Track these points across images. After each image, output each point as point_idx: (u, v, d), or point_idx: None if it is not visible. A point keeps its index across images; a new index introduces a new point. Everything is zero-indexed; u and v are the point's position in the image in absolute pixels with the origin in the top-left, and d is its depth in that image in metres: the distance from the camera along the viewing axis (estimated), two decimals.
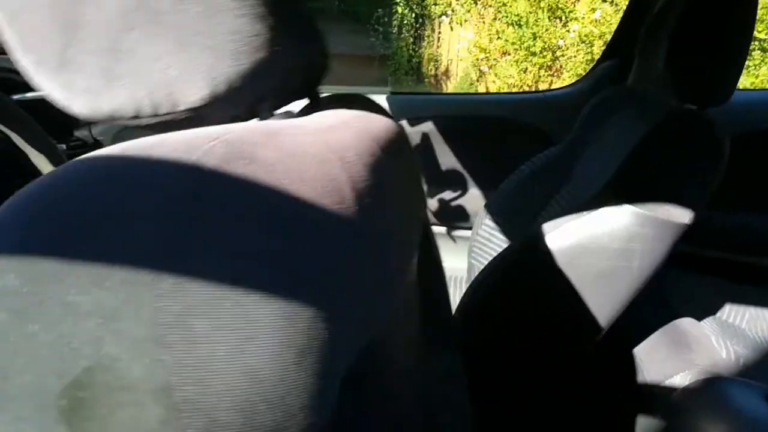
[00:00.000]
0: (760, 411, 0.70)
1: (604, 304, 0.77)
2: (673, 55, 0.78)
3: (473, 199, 1.40)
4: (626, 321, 0.84)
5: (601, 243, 0.73)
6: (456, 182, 1.40)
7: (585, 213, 0.74)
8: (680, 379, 0.82)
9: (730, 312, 1.16)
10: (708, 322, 1.10)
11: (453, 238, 1.45)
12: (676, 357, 0.89)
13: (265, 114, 0.36)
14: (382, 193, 0.33)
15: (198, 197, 0.23)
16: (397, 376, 0.41)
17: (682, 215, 0.72)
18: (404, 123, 1.37)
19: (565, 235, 0.75)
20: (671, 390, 0.80)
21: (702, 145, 0.73)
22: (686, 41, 0.76)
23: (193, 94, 0.30)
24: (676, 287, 1.13)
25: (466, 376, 0.62)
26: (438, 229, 1.44)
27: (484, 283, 0.84)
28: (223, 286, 0.21)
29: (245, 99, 0.33)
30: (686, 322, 1.02)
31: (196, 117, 0.31)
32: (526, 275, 0.79)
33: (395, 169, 0.38)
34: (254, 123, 0.31)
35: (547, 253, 0.77)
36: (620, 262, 0.74)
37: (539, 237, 0.79)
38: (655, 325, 0.98)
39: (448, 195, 1.40)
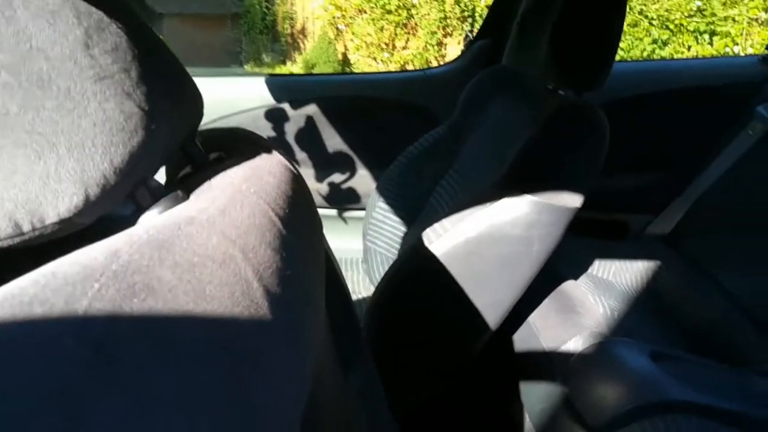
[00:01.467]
0: (648, 368, 0.78)
1: (508, 287, 0.81)
2: (556, 40, 0.82)
3: (363, 181, 1.40)
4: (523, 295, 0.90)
5: (504, 231, 0.77)
6: (344, 164, 1.39)
7: (488, 204, 0.77)
8: (574, 344, 0.90)
9: (599, 268, 1.29)
10: (584, 281, 1.22)
11: (344, 220, 1.44)
12: (566, 322, 0.98)
13: (147, 201, 0.31)
14: (291, 266, 0.32)
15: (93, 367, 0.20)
16: (328, 405, 0.42)
17: (574, 200, 0.77)
18: (286, 106, 1.32)
19: (472, 226, 0.77)
20: (568, 356, 0.88)
21: (589, 134, 0.78)
22: (569, 28, 0.80)
23: (62, 204, 0.25)
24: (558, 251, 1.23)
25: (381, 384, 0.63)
26: (329, 212, 1.43)
27: (392, 282, 0.85)
28: None
29: (123, 192, 0.29)
30: (570, 285, 1.12)
31: (67, 227, 0.27)
32: (433, 268, 0.81)
33: (297, 228, 0.36)
34: (139, 234, 0.26)
35: (451, 246, 0.79)
36: (521, 248, 0.78)
37: (441, 230, 0.81)
38: (544, 292, 1.06)
39: (337, 177, 1.39)
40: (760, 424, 0.78)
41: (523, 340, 0.98)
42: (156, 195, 0.32)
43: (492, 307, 0.84)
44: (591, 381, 0.80)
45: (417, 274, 0.84)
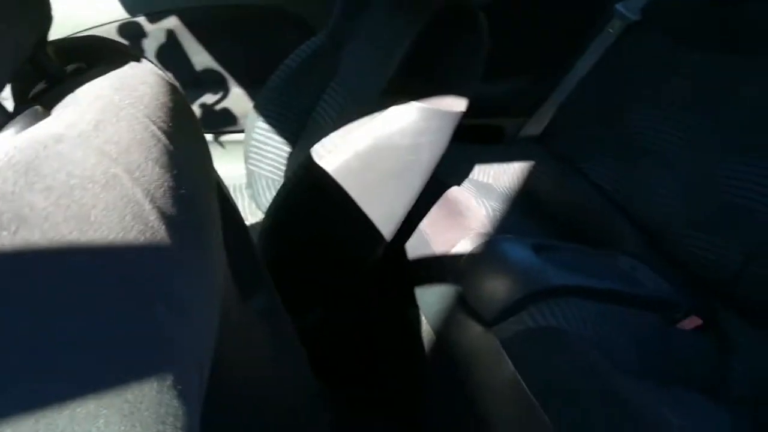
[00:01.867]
0: (531, 260, 0.84)
1: (400, 197, 0.82)
2: None
3: (238, 100, 1.32)
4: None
5: (394, 141, 0.76)
6: (215, 83, 1.29)
7: (376, 114, 0.76)
8: (462, 246, 0.94)
9: (479, 172, 1.34)
10: (467, 185, 1.27)
11: (222, 144, 1.36)
12: (454, 226, 1.01)
13: (3, 120, 0.26)
14: (183, 184, 0.29)
15: None
16: (231, 334, 0.41)
17: (459, 104, 0.78)
18: (142, 20, 1.18)
19: (362, 139, 0.76)
20: (458, 257, 0.92)
21: (470, 36, 0.78)
22: None
23: None
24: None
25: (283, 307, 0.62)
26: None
27: (283, 205, 0.82)
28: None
29: None
30: (454, 191, 1.15)
31: None
32: (325, 186, 0.79)
33: (184, 143, 0.32)
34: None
35: (342, 161, 0.77)
36: (411, 157, 0.79)
37: (331, 146, 0.79)
38: (432, 199, 1.09)
39: (209, 98, 1.30)
40: (628, 297, 0.87)
41: (415, 247, 1.01)
42: (6, 114, 0.26)
43: (385, 219, 0.84)
44: (481, 278, 0.85)
45: (308, 194, 0.82)
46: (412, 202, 0.85)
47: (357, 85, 0.95)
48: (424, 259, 0.98)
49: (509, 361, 0.74)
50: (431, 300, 0.92)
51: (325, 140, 0.79)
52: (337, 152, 0.78)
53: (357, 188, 0.79)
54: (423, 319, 0.93)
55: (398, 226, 0.87)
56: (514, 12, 1.37)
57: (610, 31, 1.34)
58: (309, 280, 0.87)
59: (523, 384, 0.70)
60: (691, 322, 0.90)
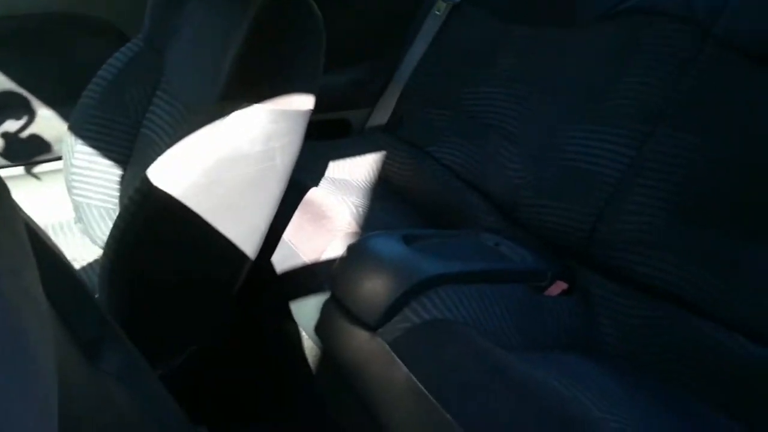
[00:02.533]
0: (404, 253, 0.82)
1: (260, 209, 0.76)
2: None
3: (48, 123, 1.14)
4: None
5: (243, 150, 0.70)
6: (18, 106, 1.10)
7: (218, 123, 0.68)
8: (332, 250, 0.90)
9: (334, 168, 1.31)
10: (324, 185, 1.23)
11: (37, 176, 1.18)
12: (320, 230, 0.97)
13: None
14: None
15: None
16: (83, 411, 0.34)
17: (307, 101, 0.73)
18: None
19: (207, 151, 0.68)
20: (330, 262, 0.87)
21: (306, 27, 0.73)
22: None
23: None
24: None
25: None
26: (13, 171, 1.14)
27: (125, 237, 0.71)
28: None
29: None
30: (314, 193, 1.10)
31: None
32: (171, 209, 0.70)
33: None
34: None
35: (186, 179, 0.69)
36: (265, 164, 0.73)
37: (170, 163, 0.70)
38: (292, 205, 1.03)
39: (12, 125, 1.10)
40: (499, 273, 0.89)
41: (283, 260, 0.95)
42: None
43: (247, 236, 0.77)
44: (357, 280, 0.81)
45: (152, 221, 0.72)
46: (273, 212, 0.79)
47: (189, 91, 0.86)
48: (295, 270, 0.92)
49: (401, 363, 0.71)
50: (309, 313, 0.87)
51: (162, 158, 0.70)
52: (179, 170, 0.69)
53: (208, 207, 0.71)
54: (303, 334, 0.87)
55: (262, 241, 0.80)
56: (344, 1, 1.35)
57: (437, 13, 1.37)
58: (170, 319, 0.77)
59: (419, 384, 0.68)
60: (557, 287, 0.95)
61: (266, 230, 0.79)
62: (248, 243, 0.77)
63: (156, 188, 0.68)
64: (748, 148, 0.85)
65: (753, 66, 0.86)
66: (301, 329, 0.87)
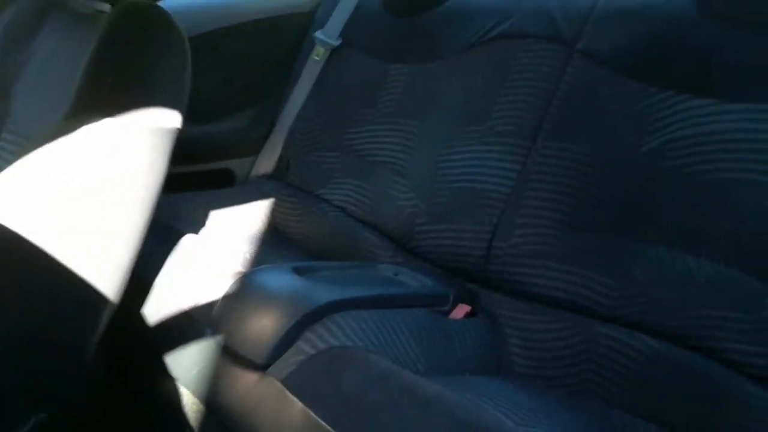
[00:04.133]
0: (294, 283, 0.76)
1: (122, 242, 0.67)
2: None
3: None
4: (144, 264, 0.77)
5: (96, 172, 0.62)
6: None
7: (62, 140, 0.60)
8: (213, 292, 0.82)
9: (218, 218, 1.23)
10: (206, 233, 1.14)
11: None
12: (199, 278, 0.88)
13: None
14: None
15: None
16: None
17: (173, 118, 0.67)
18: None
19: (47, 180, 0.59)
20: (210, 306, 0.79)
21: (165, 40, 0.68)
22: None
23: None
24: (171, 209, 1.11)
25: None
26: None
27: None
28: None
29: None
30: (193, 241, 1.01)
31: None
32: (7, 250, 0.60)
33: None
34: None
35: (29, 211, 0.60)
36: (125, 187, 0.65)
37: (8, 193, 0.60)
38: (165, 253, 0.94)
39: None
40: (399, 298, 0.85)
41: (155, 311, 0.85)
42: None
43: (107, 276, 0.68)
44: (243, 317, 0.73)
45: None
46: (138, 245, 0.70)
47: (36, 123, 0.77)
48: (170, 319, 0.82)
49: (295, 399, 0.64)
50: (188, 363, 0.77)
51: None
52: (14, 199, 0.59)
53: (55, 242, 0.62)
54: (182, 390, 0.77)
55: (125, 282, 0.70)
56: (218, 49, 1.32)
57: (316, 58, 1.38)
58: (12, 381, 0.64)
59: (316, 417, 0.60)
60: (461, 310, 0.92)
61: (130, 267, 0.69)
62: (108, 284, 0.67)
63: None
64: (622, 152, 0.89)
65: (616, 76, 0.92)
66: (178, 385, 0.77)
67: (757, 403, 0.71)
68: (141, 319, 0.82)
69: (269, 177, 1.40)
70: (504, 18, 1.08)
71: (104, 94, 0.63)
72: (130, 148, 0.63)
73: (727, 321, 0.76)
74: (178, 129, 0.69)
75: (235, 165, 1.39)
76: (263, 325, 0.71)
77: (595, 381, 0.84)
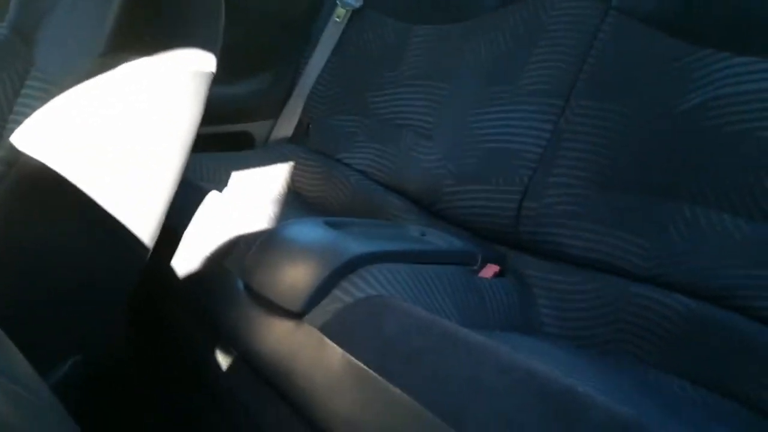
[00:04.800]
0: (328, 235, 0.76)
1: (159, 186, 0.66)
2: None
3: None
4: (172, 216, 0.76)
5: (133, 110, 0.61)
6: None
7: (100, 76, 0.60)
8: (243, 244, 0.81)
9: (240, 179, 1.22)
10: (229, 193, 1.14)
11: None
12: (226, 234, 0.87)
13: None
14: None
15: None
16: None
17: (208, 62, 0.66)
18: None
19: (83, 115, 0.59)
20: (241, 256, 0.79)
21: None
22: None
23: None
24: (194, 169, 1.10)
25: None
26: None
27: None
28: None
29: None
30: (219, 196, 1.01)
31: None
32: (47, 188, 0.60)
33: None
34: None
35: (69, 148, 0.59)
36: (162, 128, 0.64)
37: (40, 128, 0.60)
38: (191, 209, 0.93)
39: None
40: (431, 255, 0.85)
41: (185, 262, 0.85)
42: None
43: (142, 219, 0.67)
44: (277, 267, 0.73)
45: (26, 202, 0.61)
46: (172, 194, 0.70)
47: (63, 59, 0.76)
48: (200, 271, 0.82)
49: (335, 346, 0.64)
50: (221, 314, 0.77)
51: (29, 120, 0.59)
52: (52, 131, 0.59)
53: (92, 177, 0.61)
54: (215, 340, 0.77)
55: (159, 229, 0.70)
56: (238, 9, 1.31)
57: (337, 20, 1.36)
58: (52, 322, 0.64)
59: (358, 362, 0.60)
60: (490, 270, 0.91)
61: (163, 216, 0.69)
62: (145, 229, 0.67)
63: (24, 155, 0.57)
64: (659, 111, 0.88)
65: (654, 33, 0.90)
66: (212, 334, 0.77)
67: None
68: (172, 271, 0.82)
69: (288, 140, 1.39)
70: None
71: (143, 34, 0.62)
72: (168, 89, 0.62)
73: (766, 280, 0.76)
74: (213, 74, 0.68)
75: (255, 128, 1.38)
76: (299, 274, 0.70)
77: (628, 340, 0.83)
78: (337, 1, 1.35)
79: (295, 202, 1.23)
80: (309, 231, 0.78)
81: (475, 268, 0.91)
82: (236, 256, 0.80)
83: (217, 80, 0.73)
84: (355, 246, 0.75)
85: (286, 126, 1.39)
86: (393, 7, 1.29)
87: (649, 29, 0.91)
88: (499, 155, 0.99)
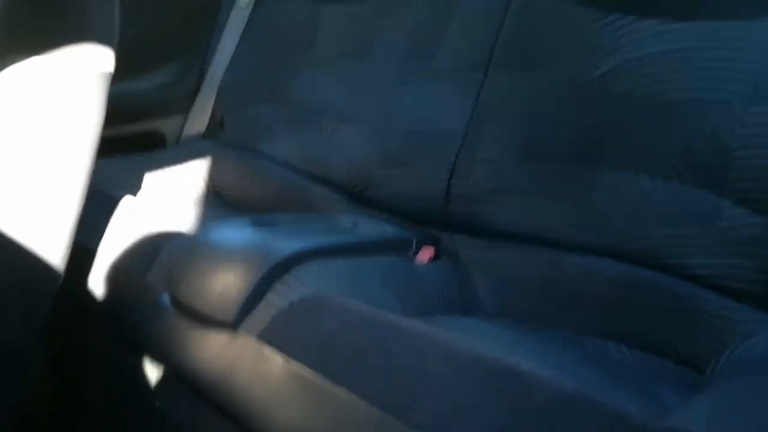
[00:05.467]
0: (255, 236, 0.74)
1: (65, 201, 0.61)
2: None
3: None
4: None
5: (21, 120, 0.56)
6: None
7: None
8: (165, 255, 0.78)
9: (153, 182, 1.17)
10: (144, 198, 1.08)
11: None
12: (143, 243, 0.83)
13: None
14: None
15: None
16: None
17: (106, 61, 0.62)
18: None
19: None
20: (165, 268, 0.75)
21: None
22: None
23: None
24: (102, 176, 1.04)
25: None
26: None
27: None
28: None
29: None
30: (132, 202, 0.95)
31: None
32: None
33: None
34: None
35: None
36: (61, 139, 0.59)
37: None
38: (103, 222, 0.88)
39: None
40: (366, 246, 0.84)
41: (104, 281, 0.80)
42: None
43: (52, 236, 0.63)
44: (205, 276, 0.70)
45: None
46: (79, 210, 0.65)
47: None
48: (121, 286, 0.77)
49: (275, 353, 0.62)
50: (148, 332, 0.73)
51: None
52: None
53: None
54: (145, 360, 0.73)
55: (70, 246, 0.65)
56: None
57: (242, 6, 1.31)
58: None
59: (300, 366, 0.59)
60: (426, 253, 0.91)
61: (74, 232, 0.64)
62: (52, 248, 0.62)
63: None
64: (574, 79, 0.90)
65: (566, 2, 0.92)
66: (141, 355, 0.73)
67: (723, 313, 0.75)
68: (89, 292, 0.77)
69: (203, 136, 1.33)
70: None
71: (26, 32, 0.57)
72: (63, 92, 0.57)
73: (687, 237, 0.80)
74: (111, 70, 0.64)
75: (164, 125, 1.32)
76: (228, 281, 0.68)
77: (565, 311, 0.86)
78: None
79: (216, 202, 1.19)
80: (235, 233, 0.76)
81: (411, 253, 0.91)
82: (158, 268, 0.76)
83: (118, 76, 0.68)
84: (286, 244, 0.73)
85: (198, 121, 1.33)
86: None
87: None
88: (422, 135, 0.99)
